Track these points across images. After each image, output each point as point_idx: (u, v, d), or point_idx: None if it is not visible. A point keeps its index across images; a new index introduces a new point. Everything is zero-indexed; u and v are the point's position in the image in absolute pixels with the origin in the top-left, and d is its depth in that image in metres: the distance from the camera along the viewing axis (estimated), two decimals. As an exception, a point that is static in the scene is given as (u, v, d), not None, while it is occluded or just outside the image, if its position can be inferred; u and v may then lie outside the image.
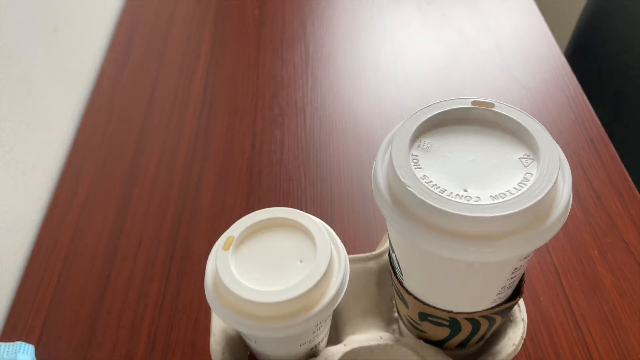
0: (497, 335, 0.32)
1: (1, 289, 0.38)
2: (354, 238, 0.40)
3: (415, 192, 0.21)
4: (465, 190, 0.22)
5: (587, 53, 0.69)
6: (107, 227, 0.42)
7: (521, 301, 0.31)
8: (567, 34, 0.81)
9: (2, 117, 0.40)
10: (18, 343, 0.34)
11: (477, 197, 0.21)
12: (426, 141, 0.24)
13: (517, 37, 0.55)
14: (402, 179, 0.22)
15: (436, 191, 0.21)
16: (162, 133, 0.49)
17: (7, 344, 0.33)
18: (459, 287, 0.24)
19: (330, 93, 0.51)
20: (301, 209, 0.34)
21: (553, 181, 0.21)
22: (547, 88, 0.50)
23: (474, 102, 0.24)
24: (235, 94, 0.51)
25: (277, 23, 0.59)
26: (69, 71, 0.51)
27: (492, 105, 0.24)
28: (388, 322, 0.34)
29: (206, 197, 0.43)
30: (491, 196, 0.21)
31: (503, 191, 0.21)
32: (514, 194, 0.21)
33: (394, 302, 0.34)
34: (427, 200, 0.21)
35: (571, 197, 0.22)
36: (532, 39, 0.55)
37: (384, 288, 0.34)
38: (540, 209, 0.21)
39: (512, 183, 0.22)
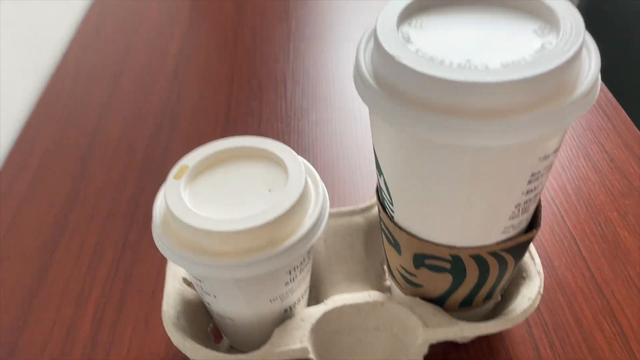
0: (508, 295, 0.26)
1: None
2: (341, 204, 0.35)
3: (405, 61, 0.17)
4: (469, 60, 0.17)
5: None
6: (59, 198, 0.37)
7: (535, 254, 0.26)
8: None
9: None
10: None
11: (485, 65, 0.17)
12: (419, 20, 0.19)
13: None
14: (390, 52, 0.17)
15: (432, 62, 0.17)
16: (130, 103, 0.44)
17: None
18: (467, 197, 0.19)
19: (314, 66, 0.47)
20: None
21: (579, 43, 0.17)
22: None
23: (474, -21, 0.20)
24: (210, 68, 0.47)
25: (257, 2, 0.56)
26: (36, 39, 0.47)
27: (497, -19, 0.20)
28: (379, 290, 0.29)
29: (171, 168, 0.38)
30: (502, 63, 0.17)
31: (517, 58, 0.17)
32: (529, 61, 0.17)
33: (385, 266, 0.29)
34: (419, 69, 0.16)
35: (599, 79, 0.18)
36: None
37: (373, 250, 0.29)
38: (563, 78, 0.17)
39: (529, 50, 0.17)
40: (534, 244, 0.32)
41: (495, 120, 0.16)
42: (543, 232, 0.33)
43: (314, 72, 0.46)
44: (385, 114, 0.18)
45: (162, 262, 0.32)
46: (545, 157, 0.19)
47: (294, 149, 0.39)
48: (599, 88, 0.18)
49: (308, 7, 0.55)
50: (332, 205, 0.35)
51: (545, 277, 0.30)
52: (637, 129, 0.39)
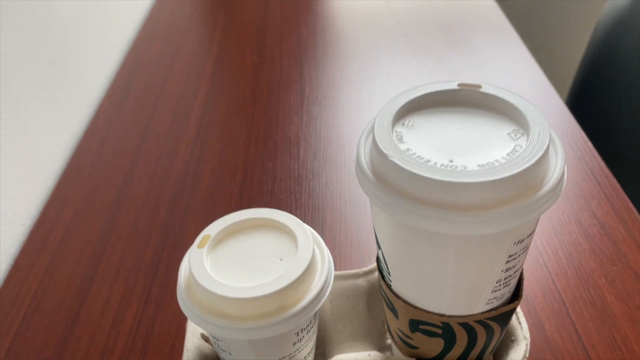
0: (498, 357, 0.29)
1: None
2: (346, 265, 0.38)
3: (397, 161, 0.20)
4: (451, 161, 0.20)
5: (587, 103, 0.69)
6: (87, 252, 0.40)
7: (523, 319, 0.29)
8: (567, 85, 0.83)
9: (-10, 136, 0.39)
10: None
11: (464, 166, 0.20)
12: (411, 120, 0.23)
13: (514, 84, 0.55)
14: (384, 151, 0.21)
15: (419, 161, 0.20)
16: (152, 163, 0.48)
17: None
18: (451, 276, 0.22)
19: (325, 128, 0.51)
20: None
21: (544, 149, 0.20)
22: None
23: (460, 84, 0.23)
24: (229, 130, 0.51)
25: (274, 68, 0.60)
26: (67, 103, 0.51)
27: (479, 86, 0.23)
28: (380, 349, 0.31)
29: (192, 225, 0.42)
30: (478, 165, 0.20)
31: (491, 160, 0.20)
32: (502, 163, 0.20)
33: (385, 326, 0.32)
34: (409, 169, 0.20)
35: (565, 172, 0.21)
36: (529, 84, 0.55)
37: (375, 310, 0.32)
38: (531, 178, 0.20)
39: (502, 153, 0.20)
40: (526, 307, 0.34)
41: (473, 214, 0.19)
42: (535, 294, 0.35)
43: (325, 135, 0.50)
44: (380, 203, 0.21)
45: (181, 316, 0.35)
46: (520, 241, 0.21)
47: (304, 208, 0.43)
48: (564, 182, 0.21)
49: (321, 70, 0.59)
50: (338, 264, 0.38)
51: (535, 337, 0.32)
52: (626, 197, 0.41)
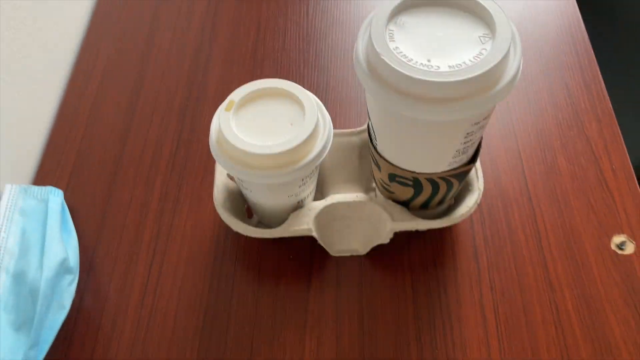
0: (456, 202, 0.37)
1: (32, 143, 0.44)
2: (345, 121, 0.45)
3: (386, 59, 0.25)
4: (429, 60, 0.26)
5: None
6: (124, 98, 0.47)
7: (480, 174, 0.36)
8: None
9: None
10: (49, 187, 0.39)
11: (438, 66, 0.25)
12: (402, 18, 0.27)
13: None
14: (377, 49, 0.26)
15: (404, 60, 0.26)
16: (173, 17, 0.52)
17: (40, 187, 0.39)
18: (420, 147, 0.29)
19: (333, -14, 0.53)
20: (296, 86, 0.38)
21: (501, 56, 0.25)
22: (541, -8, 0.52)
23: (447, -13, 0.28)
24: (243, -17, 0.54)
25: None
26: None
27: (464, -10, 0.27)
28: (366, 190, 0.39)
29: (213, 79, 0.47)
30: (449, 65, 0.25)
31: (460, 62, 0.25)
32: (468, 64, 0.25)
33: (372, 172, 0.40)
34: (395, 67, 0.25)
35: (518, 74, 0.26)
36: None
37: (364, 161, 0.39)
38: (488, 78, 0.25)
39: (469, 56, 0.26)
40: (489, 161, 0.42)
41: (441, 105, 0.25)
42: (498, 151, 0.42)
43: (334, -7, 0.53)
44: (370, 90, 0.27)
45: (208, 157, 0.43)
46: (477, 123, 0.28)
47: (311, 67, 0.48)
48: (517, 80, 0.26)
49: None
50: (338, 121, 0.45)
51: (491, 187, 0.40)
52: (598, 69, 0.46)
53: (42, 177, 0.43)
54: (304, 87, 0.46)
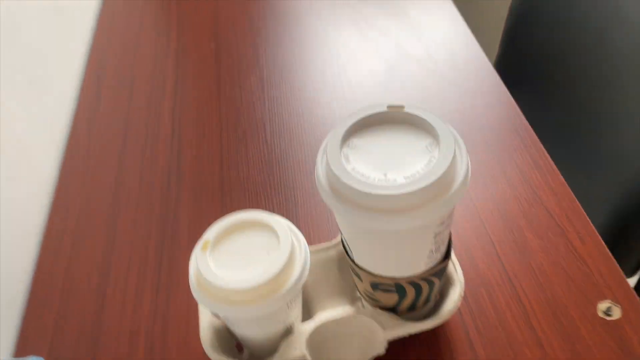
0: (441, 297, 0.37)
1: (9, 314, 0.43)
2: (318, 235, 0.46)
3: (346, 181, 0.27)
4: (385, 175, 0.28)
5: (514, 54, 0.77)
6: (98, 252, 0.47)
7: (458, 267, 0.37)
8: (497, 36, 0.89)
9: (-6, 165, 0.44)
10: (30, 357, 0.38)
11: (394, 179, 0.27)
12: (354, 141, 0.30)
13: (445, 45, 0.62)
14: (336, 173, 0.28)
15: (362, 178, 0.27)
16: (137, 162, 0.54)
17: (21, 358, 0.38)
18: (395, 254, 0.30)
19: (286, 111, 0.57)
20: (266, 213, 0.40)
21: (449, 161, 0.27)
22: (474, 85, 0.57)
23: (388, 107, 0.30)
24: (202, 122, 0.57)
25: (232, 53, 0.65)
26: (48, 117, 0.56)
27: (403, 107, 0.30)
28: (352, 300, 0.40)
29: (185, 217, 0.49)
30: (404, 177, 0.27)
31: (414, 172, 0.27)
32: (421, 173, 0.27)
33: (354, 282, 0.40)
34: (355, 186, 0.27)
35: (469, 172, 0.28)
36: (458, 43, 0.62)
37: (345, 271, 0.40)
38: (442, 182, 0.27)
39: (421, 165, 0.28)
40: (464, 252, 0.43)
41: (404, 214, 0.27)
42: (470, 240, 0.44)
43: (287, 117, 0.56)
44: (335, 209, 0.28)
45: (190, 298, 0.43)
46: (442, 223, 0.29)
47: (277, 188, 0.50)
48: (469, 178, 0.28)
49: (276, 51, 0.64)
50: (312, 236, 0.46)
51: (471, 276, 0.41)
52: (542, 146, 0.50)
53: (23, 346, 0.41)
54: (272, 208, 0.48)
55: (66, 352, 0.40)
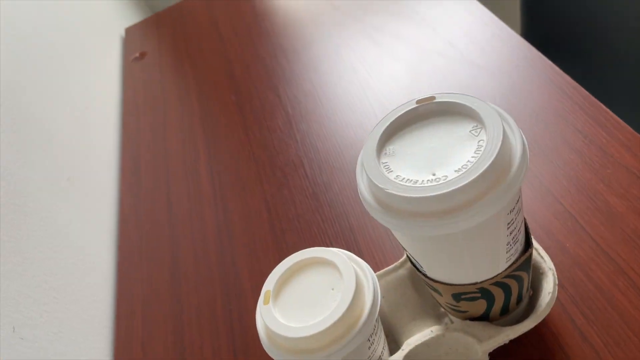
0: (535, 290, 0.34)
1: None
2: (383, 257, 0.43)
3: (393, 191, 0.25)
4: (434, 174, 0.25)
5: (539, 21, 0.73)
6: (169, 331, 0.46)
7: (544, 253, 0.33)
8: (516, 14, 0.85)
9: (54, 267, 0.45)
10: None
11: (445, 176, 0.24)
12: (390, 147, 0.27)
13: (464, 31, 0.59)
14: (380, 185, 0.25)
15: (409, 184, 0.25)
16: (188, 234, 0.53)
17: None
18: (469, 257, 0.27)
19: (319, 141, 0.55)
20: (323, 248, 0.37)
21: (501, 139, 0.24)
22: (507, 63, 0.53)
23: (417, 102, 0.28)
24: (239, 175, 0.56)
25: (254, 100, 0.64)
26: (92, 209, 0.56)
27: (433, 98, 0.27)
28: (437, 318, 0.36)
29: (244, 273, 0.47)
30: (455, 170, 0.24)
31: (464, 162, 0.24)
32: (472, 162, 0.24)
33: (434, 298, 0.37)
34: (404, 194, 0.24)
35: (526, 146, 0.25)
36: (478, 26, 0.59)
37: (421, 289, 0.37)
38: (500, 166, 0.24)
39: (470, 153, 0.25)
40: (546, 236, 0.39)
41: (466, 210, 0.24)
42: (550, 222, 0.39)
43: (322, 147, 0.54)
44: (390, 225, 0.25)
45: (268, 357, 0.40)
46: (512, 210, 0.26)
47: (330, 220, 0.47)
48: (527, 153, 0.25)
49: (295, 87, 0.63)
50: (376, 260, 0.43)
51: (561, 260, 0.37)
52: (597, 101, 0.45)
53: None
54: (329, 241, 0.46)
55: None
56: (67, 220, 0.51)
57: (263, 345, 0.31)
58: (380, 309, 0.36)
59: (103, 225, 0.57)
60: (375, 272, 0.38)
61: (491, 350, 0.31)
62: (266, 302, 0.31)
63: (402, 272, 0.37)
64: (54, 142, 0.55)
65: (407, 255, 0.31)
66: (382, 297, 0.37)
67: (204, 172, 0.58)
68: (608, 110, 0.44)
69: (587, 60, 0.64)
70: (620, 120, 0.43)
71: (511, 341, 0.34)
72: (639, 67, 0.58)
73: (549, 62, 0.51)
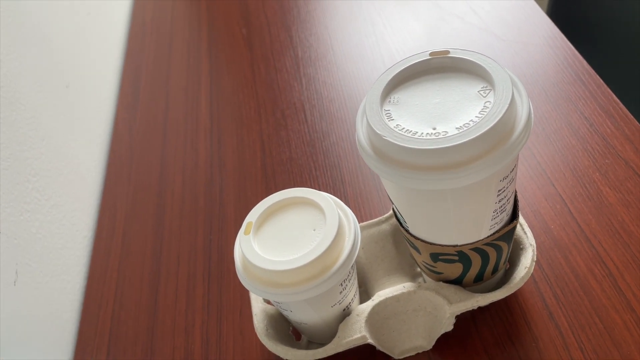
0: (512, 265, 0.34)
1: (66, 321, 0.42)
2: (369, 212, 0.43)
3: (390, 139, 0.24)
4: (434, 128, 0.24)
5: (566, 3, 0.71)
6: (148, 249, 0.46)
7: (527, 229, 0.33)
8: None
9: (39, 169, 0.44)
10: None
11: (445, 132, 0.24)
12: (395, 96, 0.27)
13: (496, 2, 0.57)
14: (378, 132, 0.25)
15: (408, 135, 0.24)
16: (180, 158, 0.53)
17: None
18: (454, 217, 0.27)
19: (324, 88, 0.54)
20: (311, 191, 0.37)
21: (508, 103, 0.24)
22: (526, 37, 0.52)
23: (431, 54, 0.27)
24: (239, 109, 0.55)
25: (264, 37, 0.63)
26: (87, 119, 0.56)
27: (447, 52, 0.27)
28: (412, 277, 0.37)
29: (230, 206, 0.47)
30: (456, 128, 0.24)
31: (467, 121, 0.24)
32: (475, 121, 0.24)
33: (412, 257, 0.37)
34: (401, 144, 0.24)
35: (531, 115, 0.25)
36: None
37: (401, 247, 0.37)
38: (502, 129, 0.24)
39: (474, 113, 0.24)
40: (532, 214, 0.39)
41: (460, 169, 0.23)
42: (539, 201, 0.40)
43: (326, 94, 0.54)
44: (383, 173, 0.25)
45: (241, 287, 0.41)
46: (505, 177, 0.26)
47: (322, 168, 0.47)
48: (532, 122, 0.25)
49: (309, 30, 0.62)
50: (362, 212, 0.43)
51: (543, 240, 0.37)
52: (610, 91, 0.45)
53: (81, 353, 0.41)
54: (319, 188, 0.45)
55: (124, 352, 0.40)
56: (59, 125, 0.50)
57: (237, 274, 0.31)
58: (358, 259, 0.37)
59: (95, 137, 0.56)
60: (359, 223, 0.38)
61: (459, 314, 0.31)
62: (247, 232, 0.31)
63: (385, 226, 0.37)
64: (53, 47, 0.54)
65: (393, 209, 0.31)
66: (362, 247, 0.37)
67: (204, 101, 0.58)
68: (619, 101, 0.44)
69: (610, 50, 0.63)
70: (629, 114, 0.43)
71: (479, 308, 0.35)
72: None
73: (569, 44, 0.50)
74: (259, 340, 0.37)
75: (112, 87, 0.64)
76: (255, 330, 0.33)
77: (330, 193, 0.45)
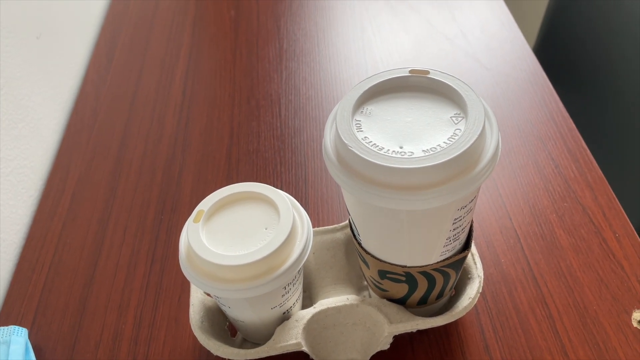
0: (457, 293, 0.34)
1: (-4, 280, 0.40)
2: (328, 217, 0.42)
3: (355, 150, 0.24)
4: (401, 147, 0.24)
5: (554, 44, 0.72)
6: (95, 218, 0.44)
7: (478, 260, 0.33)
8: (535, 28, 0.84)
9: (-10, 119, 0.42)
10: (12, 327, 0.36)
11: (411, 152, 0.24)
12: (369, 107, 0.26)
13: (480, 25, 0.57)
14: (345, 141, 0.24)
15: (374, 149, 0.24)
16: (144, 129, 0.51)
17: (2, 327, 0.36)
18: (407, 238, 0.26)
19: (304, 84, 0.53)
20: (271, 187, 0.36)
21: (478, 134, 0.23)
22: (509, 69, 0.52)
23: (411, 71, 0.27)
24: (213, 91, 0.54)
25: (252, 23, 0.61)
26: (55, 75, 0.53)
27: (427, 72, 0.26)
28: (359, 289, 0.36)
29: (187, 186, 0.46)
30: (423, 150, 0.24)
31: (434, 145, 0.24)
32: (443, 147, 0.23)
33: (361, 270, 0.37)
34: (365, 157, 0.23)
35: (499, 149, 0.25)
36: (496, 25, 0.57)
37: (352, 258, 0.37)
38: (467, 159, 0.23)
39: (443, 138, 0.24)
40: (486, 245, 0.39)
41: (419, 193, 0.23)
42: (494, 233, 0.40)
43: (304, 91, 0.53)
44: (342, 183, 0.24)
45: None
46: (463, 207, 0.26)
47: (288, 164, 0.46)
48: (498, 157, 0.24)
49: (297, 24, 0.61)
50: (320, 216, 0.42)
51: (492, 272, 0.37)
52: (580, 137, 0.45)
53: (5, 316, 0.39)
54: (281, 185, 0.45)
55: (50, 323, 0.38)
56: (22, 75, 0.48)
57: (180, 262, 0.30)
58: (307, 264, 0.36)
59: (60, 95, 0.54)
60: (314, 227, 0.37)
61: (397, 334, 0.31)
62: (197, 220, 0.30)
63: (339, 235, 0.36)
64: (33, -8, 0.51)
65: (349, 220, 0.31)
66: (313, 252, 0.36)
67: (179, 76, 0.56)
68: (587, 148, 0.44)
69: (588, 96, 0.64)
70: (594, 161, 0.43)
71: (418, 331, 0.34)
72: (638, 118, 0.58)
73: (549, 83, 0.50)
74: (191, 328, 0.36)
75: (86, 47, 0.61)
76: (190, 322, 0.32)
77: (292, 191, 0.44)
